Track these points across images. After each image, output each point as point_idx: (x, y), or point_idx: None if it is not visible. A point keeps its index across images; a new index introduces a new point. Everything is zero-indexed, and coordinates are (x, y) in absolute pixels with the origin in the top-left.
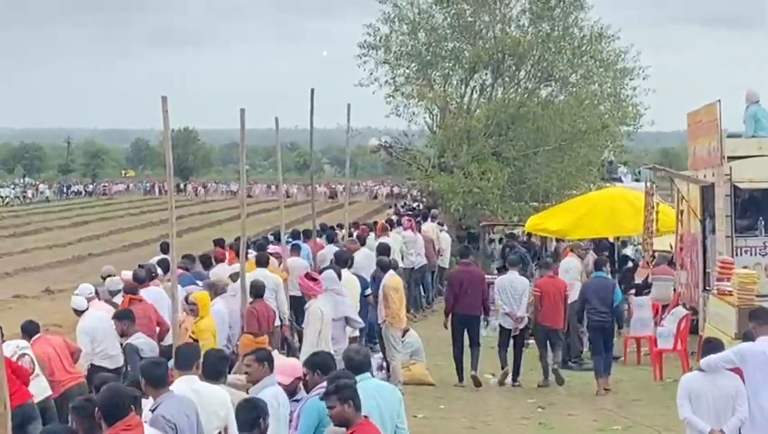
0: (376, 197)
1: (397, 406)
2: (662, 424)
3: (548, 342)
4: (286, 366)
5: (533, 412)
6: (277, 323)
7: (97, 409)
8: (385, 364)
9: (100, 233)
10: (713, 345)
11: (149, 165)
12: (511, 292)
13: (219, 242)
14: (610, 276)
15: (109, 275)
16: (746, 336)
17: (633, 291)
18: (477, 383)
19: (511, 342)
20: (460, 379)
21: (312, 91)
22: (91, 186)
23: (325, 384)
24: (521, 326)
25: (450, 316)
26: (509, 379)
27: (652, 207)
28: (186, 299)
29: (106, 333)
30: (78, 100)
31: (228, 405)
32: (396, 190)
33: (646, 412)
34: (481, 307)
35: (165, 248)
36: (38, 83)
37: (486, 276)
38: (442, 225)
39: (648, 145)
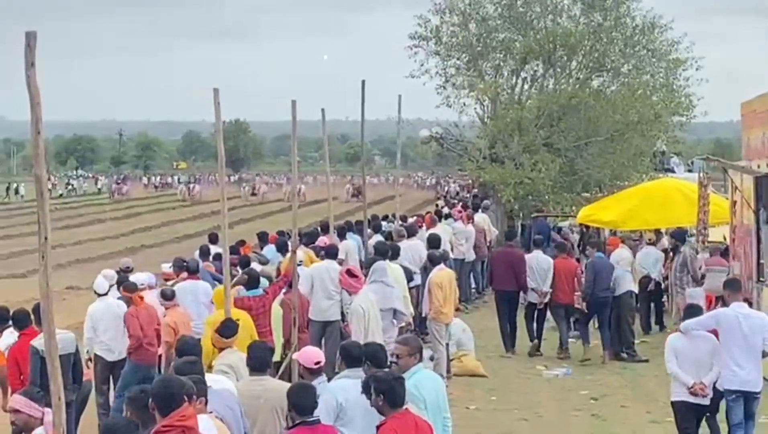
0: (422, 187)
1: (441, 397)
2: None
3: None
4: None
5: (585, 404)
6: (337, 317)
7: (150, 400)
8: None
9: (152, 225)
10: (694, 311)
11: (201, 157)
12: (537, 269)
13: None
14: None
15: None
16: None
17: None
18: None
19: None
20: (507, 348)
21: (363, 82)
22: (144, 178)
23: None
24: (545, 300)
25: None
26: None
27: (706, 198)
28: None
29: (108, 324)
30: (130, 93)
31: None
32: (442, 181)
33: None
34: (519, 284)
35: (213, 239)
36: (92, 76)
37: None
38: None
39: (701, 135)
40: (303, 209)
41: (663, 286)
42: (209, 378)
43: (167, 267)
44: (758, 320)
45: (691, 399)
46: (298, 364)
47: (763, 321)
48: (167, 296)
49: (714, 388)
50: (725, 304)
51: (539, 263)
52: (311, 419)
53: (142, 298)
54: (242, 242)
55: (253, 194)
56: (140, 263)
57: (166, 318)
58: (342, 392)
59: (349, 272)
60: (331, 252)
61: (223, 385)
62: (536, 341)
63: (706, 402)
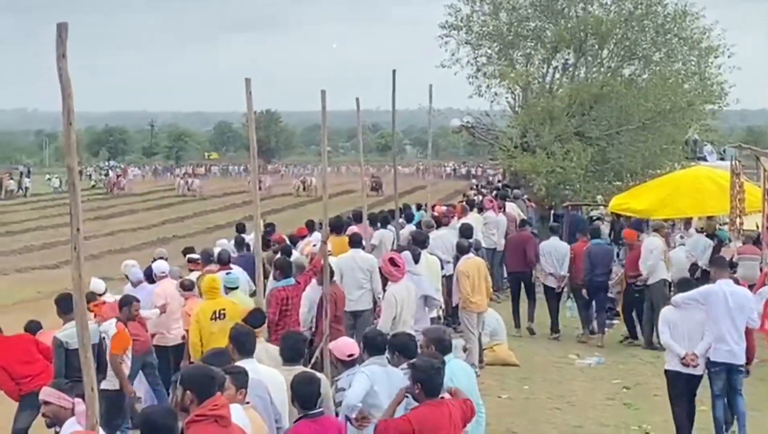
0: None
1: (473, 387)
2: (751, 404)
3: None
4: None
5: (618, 393)
6: (367, 306)
7: (187, 391)
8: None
9: (184, 216)
10: (686, 285)
11: (232, 147)
12: (555, 255)
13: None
14: (607, 244)
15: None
16: None
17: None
18: (531, 332)
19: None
20: (516, 326)
21: (394, 72)
22: (177, 169)
23: (405, 365)
24: (563, 284)
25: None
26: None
27: (739, 186)
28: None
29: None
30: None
31: (284, 388)
32: (473, 170)
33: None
34: (527, 264)
35: (241, 229)
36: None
37: None
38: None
39: (733, 123)
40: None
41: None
42: (249, 365)
43: (163, 265)
44: (743, 297)
45: (683, 369)
46: (332, 355)
47: (747, 298)
48: (186, 287)
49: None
50: (713, 281)
51: (556, 248)
52: (314, 412)
53: (102, 304)
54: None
55: (259, 189)
56: (172, 253)
57: (185, 307)
58: (376, 379)
59: (392, 261)
60: (355, 241)
61: (258, 375)
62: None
63: (699, 372)
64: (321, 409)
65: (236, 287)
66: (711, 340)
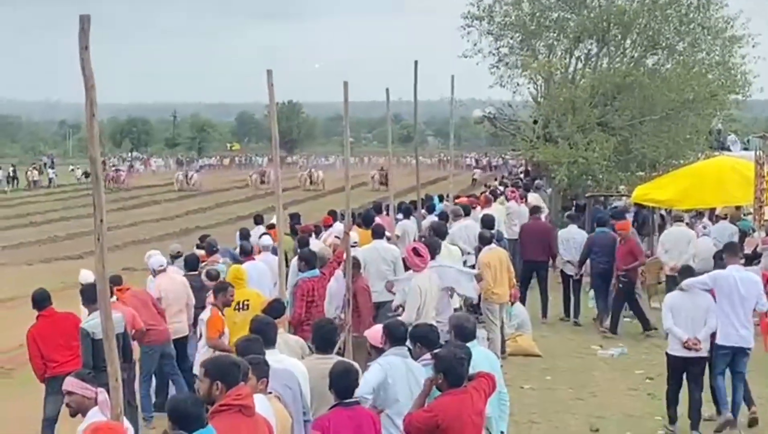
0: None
1: (497, 375)
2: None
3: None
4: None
5: (641, 383)
6: (391, 297)
7: (216, 378)
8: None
9: (206, 206)
10: (689, 273)
11: (254, 138)
12: (572, 243)
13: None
14: (612, 232)
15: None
16: None
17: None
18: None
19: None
20: None
21: (416, 63)
22: (200, 160)
23: (427, 356)
24: (581, 271)
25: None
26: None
27: (763, 177)
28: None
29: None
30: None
31: (307, 378)
32: (493, 161)
33: (756, 382)
34: (547, 255)
35: (258, 220)
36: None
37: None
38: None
39: (757, 113)
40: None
41: None
42: (271, 357)
43: (161, 259)
44: (752, 283)
45: (685, 353)
46: (367, 342)
47: (757, 283)
48: (212, 277)
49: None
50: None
51: (574, 236)
52: (350, 401)
53: (127, 289)
54: (271, 226)
55: (263, 182)
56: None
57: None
58: (392, 370)
59: (415, 251)
60: (378, 232)
61: (283, 365)
62: (571, 313)
63: (703, 354)
64: (356, 399)
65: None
66: (714, 325)
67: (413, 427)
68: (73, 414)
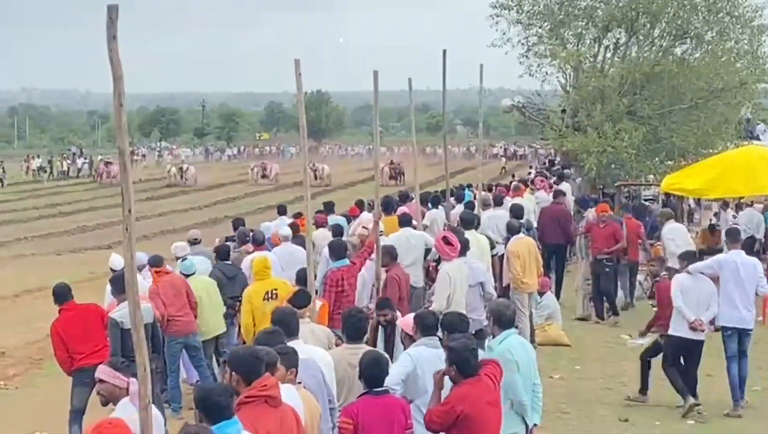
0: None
1: (532, 363)
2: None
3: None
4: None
5: None
6: (420, 284)
7: (233, 371)
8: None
9: (235, 196)
10: (692, 257)
11: (283, 127)
12: None
13: (359, 204)
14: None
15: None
16: None
17: None
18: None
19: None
20: None
21: (444, 52)
22: (232, 150)
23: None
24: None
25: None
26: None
27: None
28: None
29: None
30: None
31: (332, 367)
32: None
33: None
34: (566, 238)
35: (282, 210)
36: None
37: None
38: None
39: None
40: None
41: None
42: (296, 347)
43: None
44: (752, 267)
45: (690, 335)
46: (402, 331)
47: (756, 267)
48: (258, 241)
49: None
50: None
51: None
52: (379, 389)
53: (166, 272)
54: (299, 214)
55: (264, 176)
56: (222, 234)
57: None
58: (421, 360)
59: (445, 240)
60: (405, 220)
61: (307, 354)
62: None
63: (702, 337)
64: (386, 388)
65: (193, 273)
66: (716, 310)
67: (434, 423)
68: (104, 403)
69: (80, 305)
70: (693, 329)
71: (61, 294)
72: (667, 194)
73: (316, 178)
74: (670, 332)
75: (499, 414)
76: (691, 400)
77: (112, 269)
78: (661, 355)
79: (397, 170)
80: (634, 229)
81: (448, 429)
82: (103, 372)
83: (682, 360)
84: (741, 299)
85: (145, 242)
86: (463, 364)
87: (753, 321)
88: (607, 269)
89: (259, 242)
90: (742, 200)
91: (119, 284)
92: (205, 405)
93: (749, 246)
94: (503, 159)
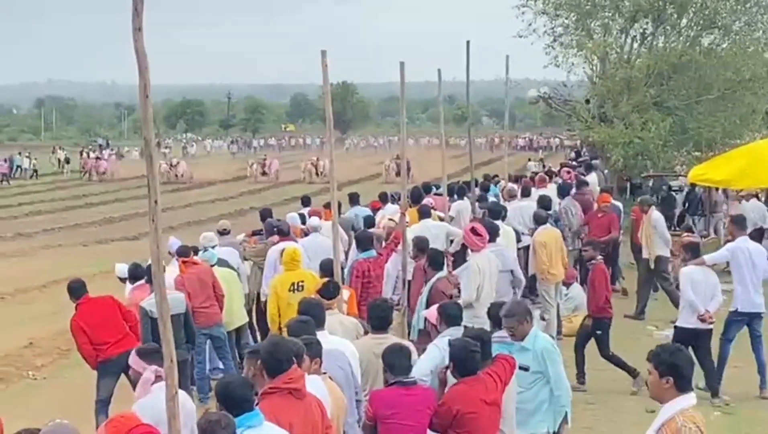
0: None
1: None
2: None
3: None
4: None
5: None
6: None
7: (258, 362)
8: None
9: (261, 187)
10: (695, 248)
11: (308, 119)
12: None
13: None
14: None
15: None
16: None
17: None
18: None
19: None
20: None
21: (468, 43)
22: (257, 141)
23: (502, 333)
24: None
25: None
26: None
27: None
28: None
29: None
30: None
31: (357, 358)
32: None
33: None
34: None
35: (306, 202)
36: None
37: None
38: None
39: None
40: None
41: None
42: (322, 338)
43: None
44: (758, 252)
45: (698, 326)
46: (427, 322)
47: (761, 253)
48: (284, 233)
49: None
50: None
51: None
52: (407, 379)
53: (194, 263)
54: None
55: (264, 173)
56: (250, 224)
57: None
58: (446, 349)
59: (474, 230)
60: (424, 211)
61: (335, 345)
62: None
63: (710, 327)
64: (414, 378)
65: (214, 264)
66: (721, 300)
67: (435, 425)
68: (134, 388)
69: (96, 298)
70: (702, 320)
71: (76, 289)
72: (693, 185)
73: (318, 174)
74: (679, 324)
75: (496, 414)
76: (640, 375)
77: (119, 278)
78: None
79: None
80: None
81: (446, 428)
82: (131, 358)
83: (691, 351)
84: (754, 285)
85: (172, 232)
86: (461, 363)
87: (763, 305)
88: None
89: (285, 233)
90: (741, 193)
91: (137, 274)
92: (225, 398)
93: (759, 237)
94: (540, 151)
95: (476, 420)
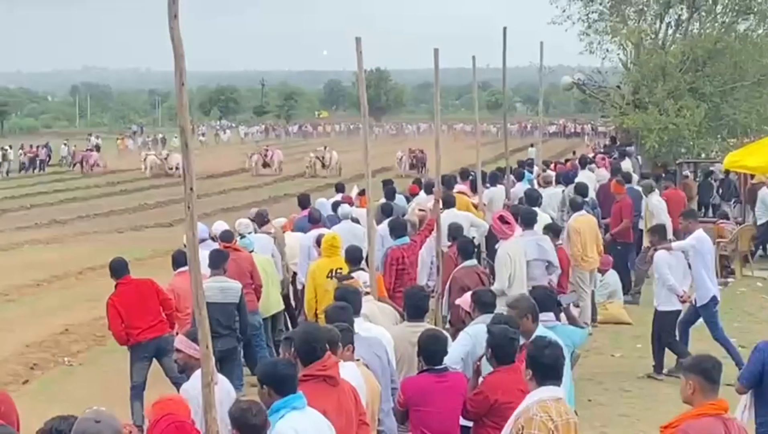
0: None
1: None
2: None
3: None
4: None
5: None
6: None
7: (293, 350)
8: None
9: (294, 174)
10: (662, 230)
11: (342, 106)
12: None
13: (417, 182)
14: None
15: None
16: None
17: None
18: None
19: None
20: None
21: (504, 29)
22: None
23: (550, 315)
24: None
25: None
26: None
27: None
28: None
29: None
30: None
31: (393, 346)
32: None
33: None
34: None
35: (340, 188)
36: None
37: None
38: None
39: None
40: (445, 158)
41: None
42: (359, 325)
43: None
44: (709, 243)
45: (678, 307)
46: (461, 309)
47: (710, 243)
48: (314, 220)
49: None
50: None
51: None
52: (439, 367)
53: (236, 249)
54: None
55: (265, 165)
56: (283, 211)
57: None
58: (480, 340)
59: (502, 219)
60: (448, 201)
61: (373, 333)
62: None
63: (682, 307)
64: (445, 366)
65: (251, 251)
66: (690, 280)
67: (470, 413)
68: (180, 371)
69: (137, 280)
70: (683, 302)
71: (118, 268)
72: (728, 172)
73: (324, 166)
74: (662, 309)
75: None
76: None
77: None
78: None
79: (418, 158)
80: (675, 199)
81: (480, 416)
82: (180, 341)
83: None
84: (713, 270)
85: (206, 219)
86: (500, 350)
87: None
88: (619, 247)
89: (316, 220)
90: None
91: (214, 259)
92: (272, 378)
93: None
94: (587, 136)
95: (513, 410)
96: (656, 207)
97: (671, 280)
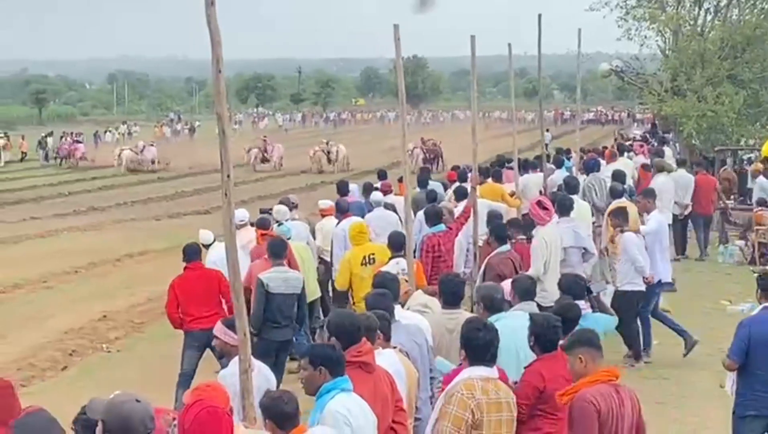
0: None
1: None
2: None
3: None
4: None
5: None
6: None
7: (329, 336)
8: None
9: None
10: (623, 212)
11: (379, 93)
12: (682, 185)
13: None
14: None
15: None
16: None
17: None
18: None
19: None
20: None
21: (539, 16)
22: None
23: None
24: (686, 212)
25: None
26: None
27: None
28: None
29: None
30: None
31: (429, 333)
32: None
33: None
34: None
35: (382, 175)
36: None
37: None
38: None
39: None
40: (482, 145)
41: None
42: (400, 313)
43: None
44: (666, 225)
45: (642, 287)
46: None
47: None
48: (343, 210)
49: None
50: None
51: (682, 177)
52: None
53: (272, 236)
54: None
55: (264, 160)
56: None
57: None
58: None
59: (540, 204)
60: (460, 193)
61: (412, 321)
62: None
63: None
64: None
65: (288, 238)
66: (648, 262)
67: (523, 408)
68: (219, 357)
69: (204, 269)
70: (648, 283)
71: (191, 253)
72: (766, 159)
73: (329, 161)
74: (627, 288)
75: None
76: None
77: (203, 245)
78: None
79: (432, 152)
80: (706, 184)
81: (530, 407)
82: (217, 328)
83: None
84: (667, 256)
85: (243, 206)
86: (543, 338)
87: None
88: None
89: (344, 210)
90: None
91: (275, 249)
92: (330, 360)
93: None
94: (635, 123)
95: None
96: (661, 187)
97: (641, 261)
